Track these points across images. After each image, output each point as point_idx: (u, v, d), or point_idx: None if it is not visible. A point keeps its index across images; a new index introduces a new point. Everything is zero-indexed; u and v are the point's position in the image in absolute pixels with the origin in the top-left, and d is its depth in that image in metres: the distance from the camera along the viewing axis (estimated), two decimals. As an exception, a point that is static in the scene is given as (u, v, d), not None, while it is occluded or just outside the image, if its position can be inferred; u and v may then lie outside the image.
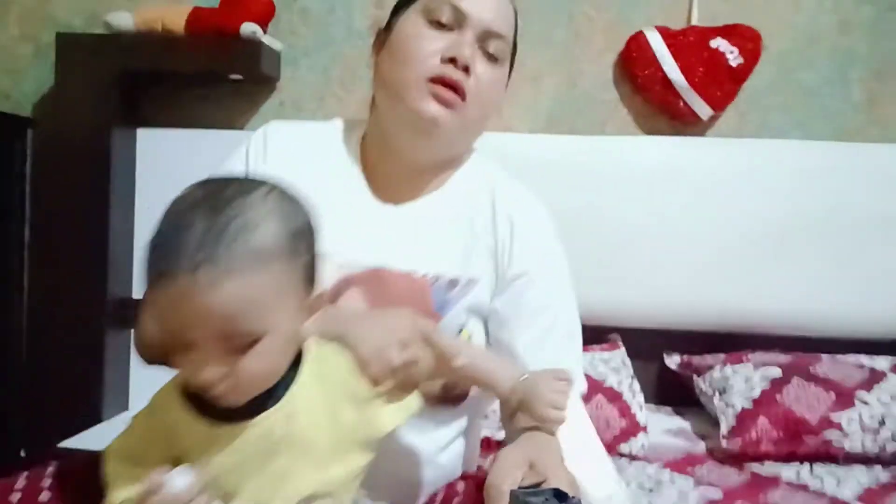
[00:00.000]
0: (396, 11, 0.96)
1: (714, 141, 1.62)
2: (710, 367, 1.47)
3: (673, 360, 1.58)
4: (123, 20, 1.58)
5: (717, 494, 1.11)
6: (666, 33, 1.60)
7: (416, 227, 0.92)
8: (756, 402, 1.30)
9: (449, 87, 0.86)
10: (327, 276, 0.86)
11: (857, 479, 1.19)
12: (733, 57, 1.57)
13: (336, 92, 1.71)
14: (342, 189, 0.92)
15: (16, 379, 1.66)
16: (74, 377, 1.62)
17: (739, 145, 1.59)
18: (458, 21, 0.87)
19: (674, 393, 1.60)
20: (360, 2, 1.71)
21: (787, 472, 1.22)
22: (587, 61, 1.67)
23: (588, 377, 1.34)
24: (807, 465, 1.24)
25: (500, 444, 0.88)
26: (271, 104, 1.72)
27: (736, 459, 1.26)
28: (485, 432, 1.06)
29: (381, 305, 0.85)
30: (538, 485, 0.64)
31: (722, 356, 1.50)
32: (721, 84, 1.59)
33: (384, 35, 0.96)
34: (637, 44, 1.61)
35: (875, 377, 1.33)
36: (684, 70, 1.58)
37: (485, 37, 0.88)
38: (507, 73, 0.94)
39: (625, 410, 1.32)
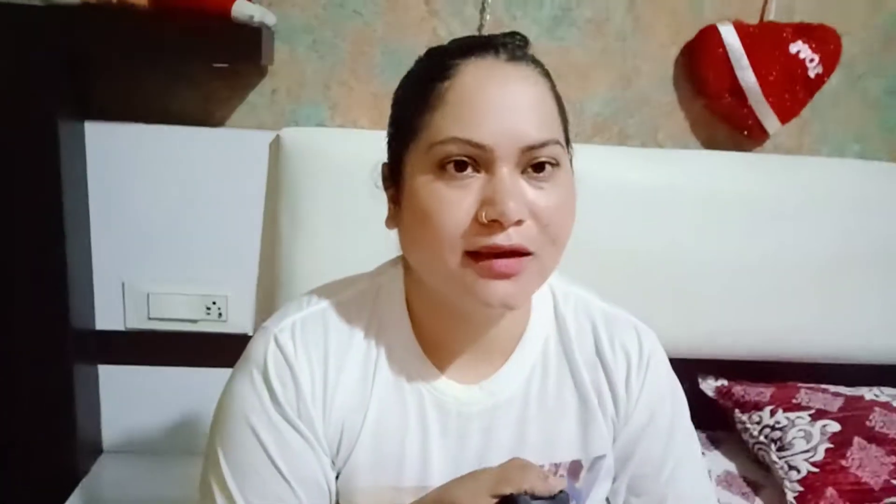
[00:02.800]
0: (395, 145, 0.70)
1: (779, 159, 1.45)
2: (756, 405, 1.43)
3: (709, 385, 1.53)
4: (65, -12, 1.14)
5: None
6: (742, 30, 1.37)
7: (512, 409, 0.74)
8: (821, 466, 1.27)
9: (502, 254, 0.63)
10: None
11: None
12: (813, 66, 1.38)
13: (345, 78, 1.37)
14: (415, 388, 0.72)
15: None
16: (39, 423, 1.33)
17: (801, 164, 1.45)
18: (481, 159, 0.62)
19: (701, 413, 1.56)
20: (374, -39, 1.33)
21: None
22: (645, 56, 1.43)
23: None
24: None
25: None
26: (262, 93, 1.36)
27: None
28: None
29: None
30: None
31: (766, 393, 1.46)
32: (793, 94, 1.41)
33: (392, 184, 0.70)
34: (708, 40, 1.38)
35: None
36: (758, 74, 1.38)
37: (527, 157, 0.63)
38: (571, 161, 0.70)
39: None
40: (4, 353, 1.28)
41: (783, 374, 1.52)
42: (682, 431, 0.81)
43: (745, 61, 1.36)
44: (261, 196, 1.37)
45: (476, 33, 1.36)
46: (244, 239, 1.38)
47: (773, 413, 1.39)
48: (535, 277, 0.67)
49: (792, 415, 1.37)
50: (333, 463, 0.70)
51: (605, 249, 1.35)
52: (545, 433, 0.74)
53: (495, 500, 0.63)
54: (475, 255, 0.63)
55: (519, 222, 0.62)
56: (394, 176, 0.69)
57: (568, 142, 0.69)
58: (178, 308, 1.39)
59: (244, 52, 1.20)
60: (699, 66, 1.40)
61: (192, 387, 1.44)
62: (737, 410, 1.46)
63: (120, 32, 1.18)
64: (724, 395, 1.50)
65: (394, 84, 0.72)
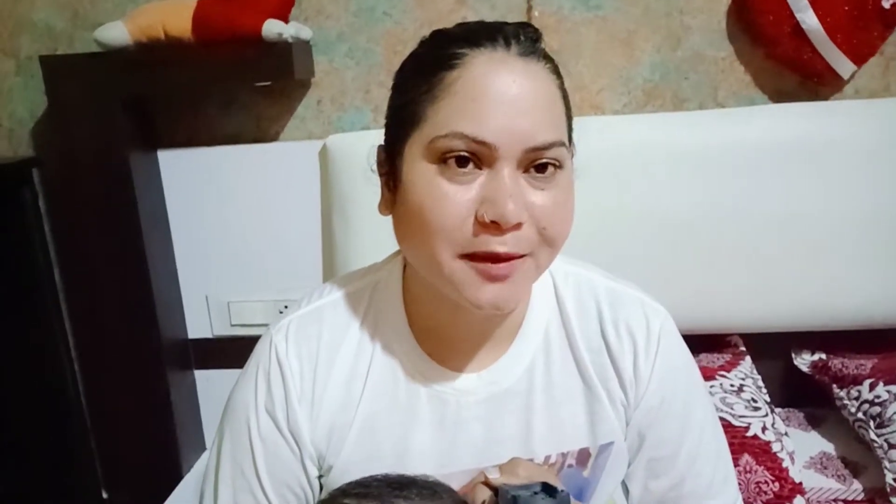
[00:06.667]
0: (395, 130, 0.66)
1: (858, 104, 1.30)
2: (855, 379, 1.29)
3: (803, 360, 1.40)
4: (117, 34, 1.26)
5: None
6: (797, -33, 1.24)
7: (516, 398, 0.72)
8: (928, 444, 1.13)
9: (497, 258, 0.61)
10: None
11: None
12: (887, -5, 1.23)
13: (383, 79, 1.40)
14: (410, 381, 0.72)
15: (81, 438, 1.55)
16: (143, 426, 1.50)
17: (885, 107, 1.28)
18: (483, 156, 0.60)
19: (799, 392, 1.44)
20: (399, -38, 1.35)
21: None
22: (693, 11, 1.33)
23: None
24: None
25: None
26: (308, 105, 1.43)
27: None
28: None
29: None
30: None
31: (868, 365, 1.31)
32: (867, 31, 1.26)
33: (388, 171, 0.67)
34: (759, -17, 1.26)
35: None
36: (821, 15, 1.25)
37: (530, 158, 0.60)
38: (572, 159, 0.66)
39: (776, 467, 1.16)
40: (106, 367, 1.45)
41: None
42: (699, 408, 0.76)
43: (803, 1, 1.24)
44: (317, 202, 1.44)
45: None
46: (307, 243, 1.46)
47: (872, 387, 1.25)
48: (529, 276, 0.65)
49: (894, 387, 1.23)
50: (321, 466, 0.72)
51: (673, 223, 1.28)
52: (552, 422, 0.71)
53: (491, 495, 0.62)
54: (470, 256, 0.61)
55: (518, 225, 0.60)
56: (391, 160, 0.67)
57: (570, 140, 0.67)
58: (255, 314, 1.50)
59: (278, 69, 1.27)
60: (754, 13, 1.28)
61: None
62: (834, 386, 1.33)
63: (171, 65, 1.30)
64: (820, 370, 1.37)
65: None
